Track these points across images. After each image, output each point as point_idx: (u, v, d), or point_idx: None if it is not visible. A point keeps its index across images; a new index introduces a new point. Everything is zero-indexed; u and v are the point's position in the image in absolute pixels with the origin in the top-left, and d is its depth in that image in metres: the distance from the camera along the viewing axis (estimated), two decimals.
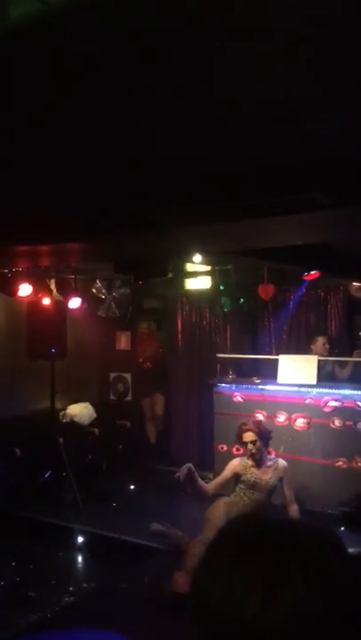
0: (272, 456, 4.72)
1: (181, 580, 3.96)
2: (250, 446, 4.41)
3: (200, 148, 2.58)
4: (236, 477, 4.49)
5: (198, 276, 7.42)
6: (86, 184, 3.24)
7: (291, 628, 0.63)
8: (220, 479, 4.62)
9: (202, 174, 2.82)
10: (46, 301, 6.34)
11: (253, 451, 4.40)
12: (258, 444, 4.42)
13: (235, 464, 4.54)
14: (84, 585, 5.09)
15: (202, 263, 6.29)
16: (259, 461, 4.44)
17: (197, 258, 5.31)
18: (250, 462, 4.47)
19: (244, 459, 4.53)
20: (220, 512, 4.27)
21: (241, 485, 4.47)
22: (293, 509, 4.38)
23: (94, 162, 2.90)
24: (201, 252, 4.92)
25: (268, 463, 4.51)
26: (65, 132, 2.52)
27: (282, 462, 4.60)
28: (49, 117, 2.31)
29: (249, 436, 4.42)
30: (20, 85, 1.84)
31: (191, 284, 7.61)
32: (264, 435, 4.49)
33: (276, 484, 4.47)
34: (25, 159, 2.87)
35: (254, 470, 4.45)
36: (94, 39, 1.49)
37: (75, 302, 6.52)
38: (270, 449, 4.80)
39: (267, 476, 4.44)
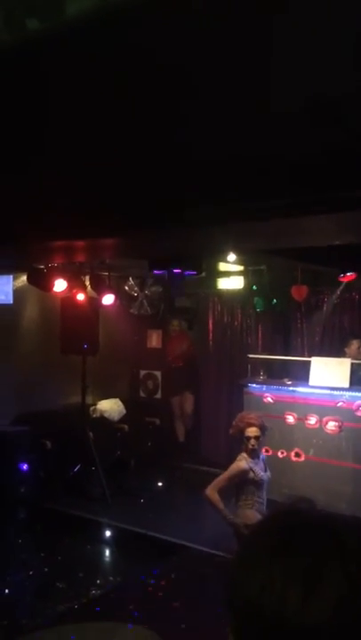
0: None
1: None
2: (253, 442, 4.23)
3: (236, 145, 2.57)
4: (244, 480, 4.25)
5: (231, 276, 7.40)
6: (122, 180, 3.26)
7: (332, 624, 0.62)
8: (222, 483, 4.27)
9: (238, 171, 2.81)
10: (80, 297, 6.42)
11: (256, 447, 4.27)
12: (260, 439, 4.31)
13: (243, 467, 4.24)
14: (111, 578, 5.13)
15: (235, 263, 6.28)
16: (255, 455, 4.32)
17: (231, 257, 5.30)
18: (251, 460, 4.33)
19: (247, 457, 4.30)
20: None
21: (251, 487, 4.23)
22: None
23: (130, 158, 2.92)
24: (235, 251, 4.90)
25: (260, 457, 4.40)
26: (101, 128, 2.54)
27: (263, 454, 4.52)
28: (87, 113, 2.34)
29: (254, 431, 4.25)
30: (69, 82, 1.86)
31: (224, 284, 7.59)
32: (265, 431, 4.39)
33: None
34: (61, 155, 2.91)
35: (258, 468, 4.33)
36: (150, 34, 1.50)
37: (108, 299, 6.58)
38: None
39: (267, 472, 4.35)
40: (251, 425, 4.28)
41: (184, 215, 3.39)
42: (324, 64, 1.76)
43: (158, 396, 8.28)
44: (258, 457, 4.31)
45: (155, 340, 8.32)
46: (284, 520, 0.74)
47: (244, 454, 4.33)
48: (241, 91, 2.01)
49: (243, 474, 4.27)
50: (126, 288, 7.62)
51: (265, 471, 4.32)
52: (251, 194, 2.92)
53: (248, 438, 4.26)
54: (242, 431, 4.31)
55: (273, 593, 0.65)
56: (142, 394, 8.37)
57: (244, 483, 4.25)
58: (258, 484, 4.26)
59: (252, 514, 4.18)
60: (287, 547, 0.68)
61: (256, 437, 4.25)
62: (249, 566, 0.70)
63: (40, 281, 6.10)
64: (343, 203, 2.68)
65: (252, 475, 4.26)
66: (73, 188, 3.40)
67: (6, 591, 4.96)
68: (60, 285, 6.06)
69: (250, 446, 4.25)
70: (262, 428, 4.32)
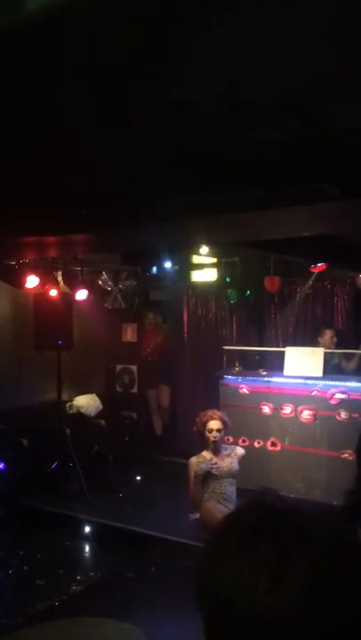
0: (229, 444, 4.70)
1: None
2: (215, 434, 4.42)
3: (208, 139, 2.57)
4: (202, 476, 4.41)
5: (204, 268, 7.42)
6: (92, 175, 3.23)
7: (298, 613, 0.64)
8: (192, 486, 4.51)
9: (210, 165, 2.81)
10: (53, 293, 6.35)
11: (217, 439, 4.42)
12: (222, 433, 4.44)
13: (192, 463, 4.49)
14: (91, 574, 5.13)
15: (208, 255, 6.29)
16: (216, 450, 4.45)
17: (204, 249, 5.30)
18: (206, 455, 4.47)
19: (201, 454, 4.51)
20: (214, 513, 4.25)
21: (207, 481, 4.42)
22: None
23: (102, 153, 2.89)
24: (208, 244, 4.91)
25: (226, 452, 4.52)
26: (73, 123, 2.52)
27: (239, 449, 4.64)
28: (54, 107, 2.31)
29: (216, 424, 4.45)
30: (33, 75, 1.84)
31: (197, 277, 7.61)
32: (227, 425, 4.52)
33: (238, 468, 4.47)
34: (33, 150, 2.88)
35: (214, 459, 4.44)
36: (112, 28, 1.48)
37: (82, 294, 6.53)
38: (229, 437, 4.79)
39: (227, 461, 4.45)
40: (212, 418, 4.46)
41: (155, 209, 3.38)
42: (290, 58, 1.77)
43: (135, 390, 8.27)
44: (219, 451, 4.43)
45: (130, 333, 8.29)
46: (252, 511, 0.75)
47: (203, 452, 4.46)
48: (210, 82, 2.01)
49: (192, 469, 4.41)
50: (100, 282, 7.57)
51: (230, 461, 4.42)
52: (221, 187, 2.93)
53: (210, 430, 4.41)
54: (204, 424, 4.44)
55: (241, 583, 0.66)
56: (118, 388, 8.35)
57: (203, 478, 4.37)
58: (211, 477, 4.38)
59: (211, 505, 4.30)
60: (255, 538, 0.70)
61: (218, 430, 4.40)
62: (218, 558, 0.71)
63: (11, 277, 6.02)
64: (313, 195, 2.71)
65: (203, 470, 4.35)
66: (43, 185, 3.36)
67: None
68: (31, 281, 5.99)
69: (212, 439, 4.39)
70: (224, 422, 4.46)
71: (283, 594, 0.64)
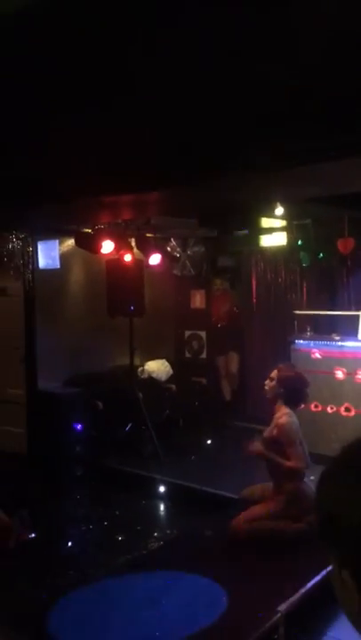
0: (287, 411, 4.26)
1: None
2: (267, 381, 4.35)
3: (286, 82, 2.45)
4: None
5: (273, 232, 7.25)
6: (166, 132, 3.18)
7: None
8: None
9: (291, 110, 2.69)
10: (128, 258, 6.42)
11: (266, 387, 4.32)
12: (273, 384, 4.29)
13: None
14: (168, 531, 5.25)
15: (280, 217, 6.13)
16: (272, 403, 4.36)
17: (279, 210, 5.16)
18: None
19: None
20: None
21: None
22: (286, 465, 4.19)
23: (174, 108, 2.83)
24: (287, 200, 4.75)
25: (276, 415, 4.29)
26: (147, 77, 2.47)
27: (283, 418, 4.21)
28: (130, 62, 2.27)
29: (273, 373, 4.36)
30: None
31: (266, 241, 7.46)
32: (284, 383, 4.26)
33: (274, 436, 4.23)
34: (107, 105, 2.86)
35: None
36: None
37: (155, 259, 6.57)
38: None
39: (270, 427, 4.30)
40: (275, 369, 4.40)
41: (232, 163, 3.29)
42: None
43: (204, 356, 8.31)
44: (273, 408, 4.35)
45: (198, 300, 8.30)
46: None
47: None
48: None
49: None
50: (168, 249, 7.58)
51: (269, 429, 4.33)
52: (301, 134, 2.81)
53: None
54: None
55: None
56: (188, 354, 8.41)
57: None
58: None
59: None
60: None
61: (271, 379, 4.34)
62: (347, 493, 0.70)
63: (88, 243, 6.13)
64: None
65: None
66: (118, 141, 3.35)
67: (70, 544, 5.15)
68: (107, 247, 6.07)
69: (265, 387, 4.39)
70: (280, 378, 4.27)
71: None
